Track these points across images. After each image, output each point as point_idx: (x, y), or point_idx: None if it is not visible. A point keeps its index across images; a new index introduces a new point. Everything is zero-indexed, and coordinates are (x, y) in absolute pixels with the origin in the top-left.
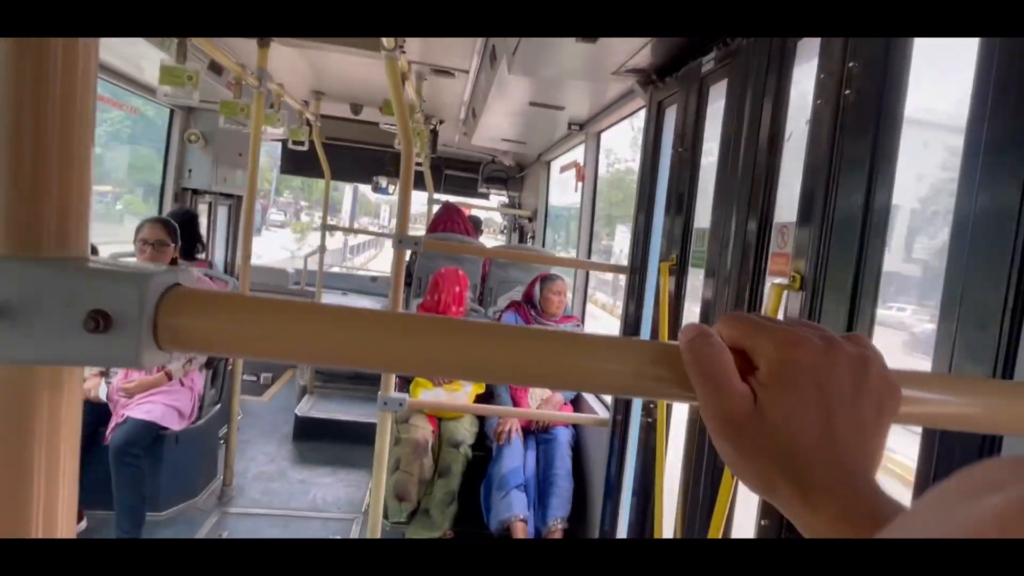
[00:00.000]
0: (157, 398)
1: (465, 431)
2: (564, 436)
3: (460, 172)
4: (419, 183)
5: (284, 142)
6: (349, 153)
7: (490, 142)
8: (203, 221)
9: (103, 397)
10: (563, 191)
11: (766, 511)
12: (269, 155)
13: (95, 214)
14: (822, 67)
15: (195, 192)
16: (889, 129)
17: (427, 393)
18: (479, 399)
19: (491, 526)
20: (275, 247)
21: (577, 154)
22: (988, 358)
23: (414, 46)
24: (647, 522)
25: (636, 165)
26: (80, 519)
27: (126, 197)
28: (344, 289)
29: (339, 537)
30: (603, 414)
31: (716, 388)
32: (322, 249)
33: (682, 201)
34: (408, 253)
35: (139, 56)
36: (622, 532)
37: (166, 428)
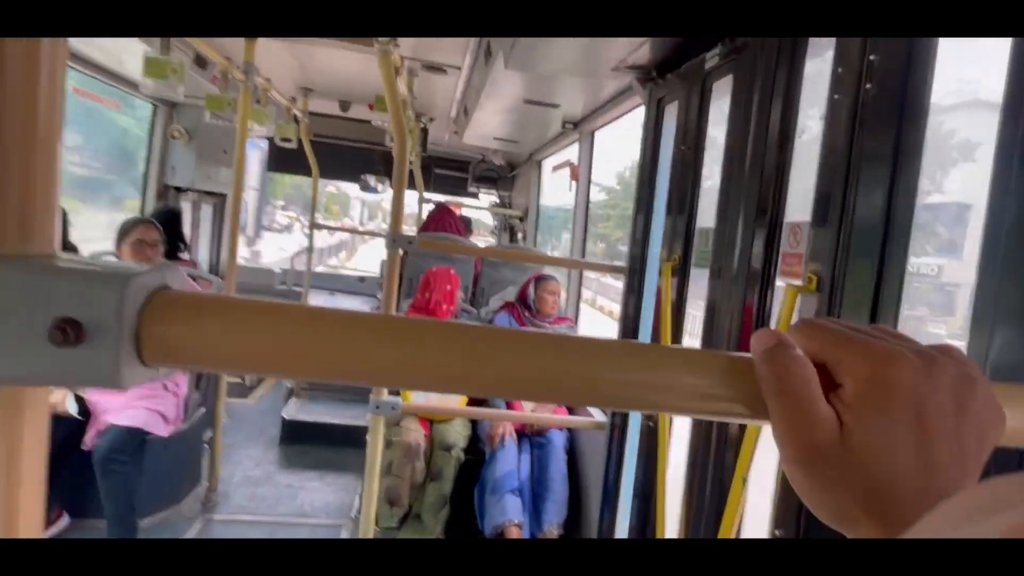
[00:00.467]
0: (140, 403)
1: (457, 434)
2: (559, 440)
3: (450, 171)
4: (409, 182)
5: (271, 139)
6: (337, 151)
7: (481, 140)
8: (187, 219)
9: (73, 411)
10: (554, 191)
11: (780, 520)
12: (259, 148)
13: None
14: (839, 60)
15: (178, 190)
16: (913, 124)
17: (418, 395)
18: (472, 402)
19: (485, 530)
20: (274, 248)
21: (570, 153)
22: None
23: (407, 41)
24: (647, 529)
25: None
26: (59, 517)
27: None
28: (331, 289)
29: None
30: (600, 417)
31: (798, 410)
32: (310, 250)
33: (684, 200)
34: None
35: (120, 49)
36: (620, 537)
37: (150, 433)
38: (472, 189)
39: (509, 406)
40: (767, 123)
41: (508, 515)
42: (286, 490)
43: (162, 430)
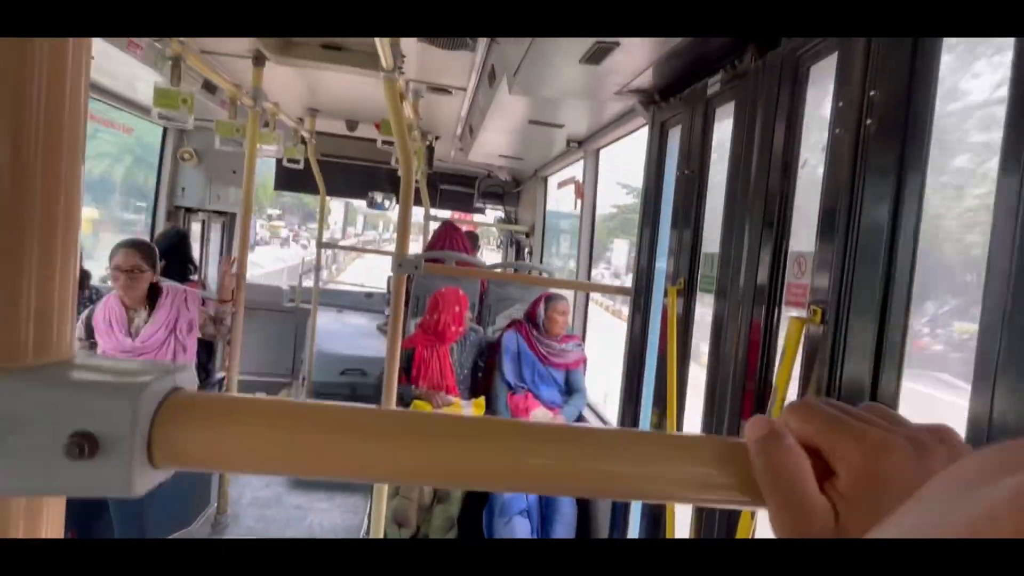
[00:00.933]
0: None
1: None
2: None
3: (456, 187)
4: (415, 199)
5: (279, 159)
6: (344, 169)
7: (487, 158)
8: (197, 239)
9: None
10: (558, 203)
11: None
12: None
13: None
14: (840, 95)
15: (188, 210)
16: (915, 161)
17: None
18: None
19: None
20: (272, 258)
21: (575, 170)
22: None
23: (411, 64)
24: None
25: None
26: None
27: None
28: (339, 306)
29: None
30: None
31: (792, 500)
32: (318, 268)
33: (689, 223)
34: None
35: (134, 77)
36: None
37: None
38: (478, 205)
39: None
40: (770, 151)
41: (516, 537)
42: (295, 511)
43: None
